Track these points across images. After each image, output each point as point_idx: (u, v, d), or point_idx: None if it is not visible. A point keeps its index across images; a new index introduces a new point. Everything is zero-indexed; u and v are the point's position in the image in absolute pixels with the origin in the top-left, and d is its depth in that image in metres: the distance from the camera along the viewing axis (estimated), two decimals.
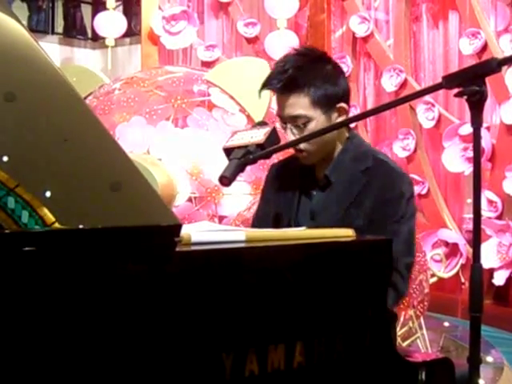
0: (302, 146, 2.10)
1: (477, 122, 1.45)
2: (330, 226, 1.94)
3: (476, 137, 1.45)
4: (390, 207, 2.08)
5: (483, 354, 4.01)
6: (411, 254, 2.13)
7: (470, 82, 1.44)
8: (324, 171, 2.16)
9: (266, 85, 2.15)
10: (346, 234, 1.67)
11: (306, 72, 2.09)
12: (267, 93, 2.23)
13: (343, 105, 2.14)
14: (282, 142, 2.01)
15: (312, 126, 2.08)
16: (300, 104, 2.08)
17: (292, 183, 2.23)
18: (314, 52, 2.21)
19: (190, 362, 1.32)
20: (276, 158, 4.06)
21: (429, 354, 1.99)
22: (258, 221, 2.32)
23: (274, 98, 2.17)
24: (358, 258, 1.64)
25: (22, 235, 1.15)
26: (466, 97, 1.46)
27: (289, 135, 2.12)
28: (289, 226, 2.13)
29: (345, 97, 2.15)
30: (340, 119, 2.14)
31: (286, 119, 2.12)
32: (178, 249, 1.30)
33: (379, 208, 2.07)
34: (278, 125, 2.19)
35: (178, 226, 1.27)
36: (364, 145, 2.24)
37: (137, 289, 1.25)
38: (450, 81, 1.50)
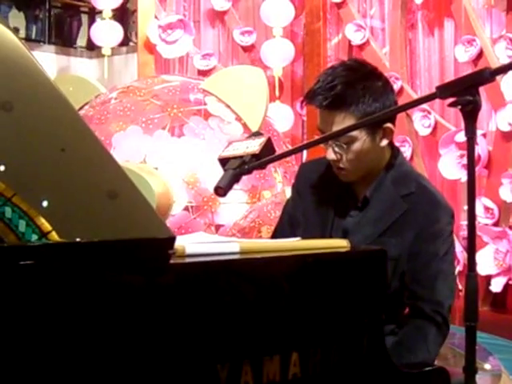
0: (342, 164, 2.01)
1: (471, 131, 1.45)
2: None
3: (470, 146, 1.45)
4: (433, 243, 1.99)
5: (481, 362, 4.00)
6: (453, 296, 2.05)
7: (464, 92, 1.45)
8: (364, 191, 2.07)
9: (311, 100, 2.02)
10: (340, 244, 1.67)
11: (355, 89, 1.96)
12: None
13: (390, 125, 2.01)
14: (278, 152, 2.01)
15: (356, 147, 1.98)
16: (345, 123, 1.95)
17: (328, 194, 2.13)
18: (364, 67, 2.06)
19: (185, 374, 1.32)
20: (272, 167, 4.07)
21: (424, 363, 1.98)
22: (288, 220, 2.24)
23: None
24: (353, 268, 1.64)
25: (18, 248, 1.16)
26: (459, 106, 1.46)
27: (329, 153, 2.01)
28: (321, 235, 2.06)
29: (391, 116, 2.02)
30: (385, 141, 2.03)
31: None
32: (172, 261, 1.30)
33: (421, 243, 1.99)
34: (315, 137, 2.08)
35: (172, 239, 1.27)
36: (406, 165, 2.16)
37: (132, 301, 1.25)
38: (443, 91, 1.50)
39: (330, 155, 2.02)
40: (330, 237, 2.08)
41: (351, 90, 1.96)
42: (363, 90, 1.97)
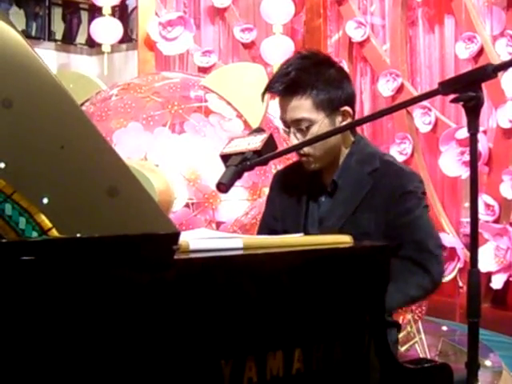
0: (307, 150, 2.08)
1: (473, 127, 1.45)
2: (338, 231, 1.93)
3: (473, 142, 1.45)
4: (402, 204, 2.05)
5: (481, 358, 4.00)
6: (438, 236, 2.10)
7: (466, 88, 1.45)
8: (331, 177, 2.14)
9: (269, 88, 2.12)
10: (343, 240, 1.67)
11: (309, 74, 2.06)
12: (264, 98, 2.21)
13: (347, 108, 2.10)
14: (280, 148, 2.02)
15: (315, 130, 2.05)
16: (303, 107, 2.05)
17: (299, 191, 2.19)
18: (317, 55, 2.18)
19: (189, 370, 1.32)
20: (273, 164, 4.08)
21: (427, 359, 1.98)
22: (265, 229, 2.29)
23: (272, 103, 2.15)
24: (356, 264, 1.64)
25: (19, 244, 1.16)
26: (462, 103, 1.46)
27: (292, 139, 2.09)
28: (297, 231, 2.08)
29: (349, 100, 2.12)
30: (344, 123, 2.10)
31: (288, 123, 2.09)
32: (176, 256, 1.30)
33: (392, 207, 2.04)
34: (281, 130, 2.17)
35: (176, 234, 1.27)
36: (370, 147, 2.21)
37: (136, 297, 1.25)
38: (446, 87, 1.50)
39: (292, 141, 2.09)
40: (305, 226, 2.14)
41: (304, 74, 2.06)
42: (316, 75, 2.07)
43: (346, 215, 2.07)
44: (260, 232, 2.35)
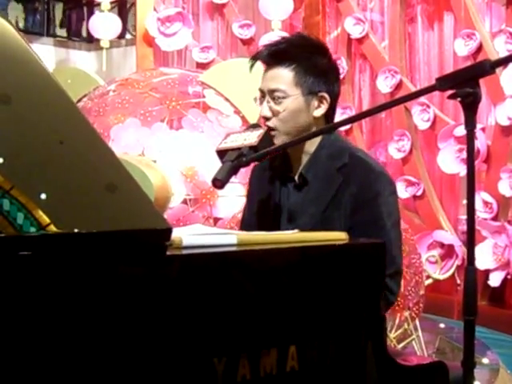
0: (273, 123, 2.06)
1: (470, 123, 1.44)
2: (309, 229, 1.92)
3: (469, 139, 1.44)
4: (368, 210, 2.00)
5: (479, 356, 4.00)
6: (393, 265, 1.99)
7: (464, 84, 1.44)
8: (300, 166, 2.12)
9: (256, 55, 2.12)
10: (339, 237, 1.66)
11: (299, 50, 2.06)
12: (253, 67, 2.18)
13: (325, 95, 2.08)
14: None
15: (288, 103, 2.05)
16: (283, 78, 2.05)
17: (272, 182, 2.19)
18: (315, 41, 2.18)
19: (182, 367, 1.31)
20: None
21: (423, 357, 1.98)
22: (245, 224, 2.28)
23: None
24: (351, 261, 1.63)
25: (17, 239, 1.15)
26: (459, 99, 1.45)
27: (263, 107, 2.08)
28: (271, 225, 2.10)
29: (329, 91, 2.09)
30: (320, 109, 2.09)
31: (265, 91, 2.08)
32: (168, 253, 1.30)
33: (358, 211, 2.01)
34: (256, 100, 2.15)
35: (169, 230, 1.26)
36: (341, 141, 2.17)
37: (127, 293, 1.24)
38: (443, 83, 1.49)
39: (264, 111, 2.08)
40: (279, 221, 2.13)
41: (294, 48, 2.07)
42: (307, 54, 2.06)
43: (318, 214, 2.04)
44: (242, 228, 2.33)
